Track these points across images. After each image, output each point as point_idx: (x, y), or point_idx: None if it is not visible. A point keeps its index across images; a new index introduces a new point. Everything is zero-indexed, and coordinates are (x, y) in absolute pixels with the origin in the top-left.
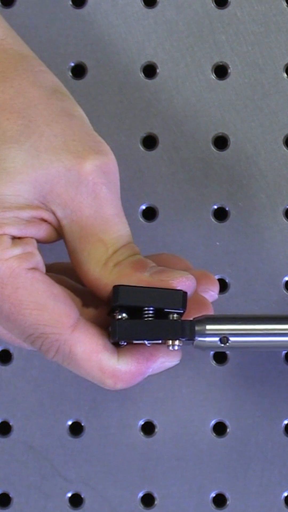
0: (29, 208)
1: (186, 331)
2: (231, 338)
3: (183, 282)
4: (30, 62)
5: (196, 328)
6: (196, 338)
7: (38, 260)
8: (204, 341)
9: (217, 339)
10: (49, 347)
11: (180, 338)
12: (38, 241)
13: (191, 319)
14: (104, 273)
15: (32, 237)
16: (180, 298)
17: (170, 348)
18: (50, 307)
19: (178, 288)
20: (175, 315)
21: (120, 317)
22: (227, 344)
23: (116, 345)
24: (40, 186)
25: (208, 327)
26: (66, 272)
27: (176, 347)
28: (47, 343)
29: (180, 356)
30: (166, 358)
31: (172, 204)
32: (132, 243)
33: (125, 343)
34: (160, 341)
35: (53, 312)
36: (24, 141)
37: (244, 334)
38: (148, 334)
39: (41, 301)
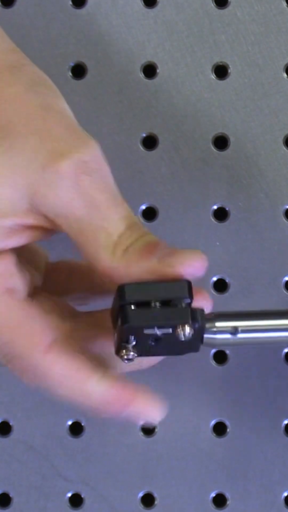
0: (13, 215)
1: (196, 317)
2: (242, 335)
3: (192, 266)
4: (8, 57)
5: (206, 325)
6: (206, 334)
7: (14, 281)
8: (215, 338)
9: (228, 335)
10: (24, 370)
11: (190, 323)
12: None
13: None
14: (114, 261)
15: (10, 254)
16: (186, 288)
17: (181, 335)
18: (24, 328)
19: (188, 271)
20: (183, 304)
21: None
22: (238, 336)
23: (124, 359)
24: (23, 189)
25: (217, 324)
26: (73, 269)
27: (187, 332)
28: (22, 366)
29: (158, 417)
30: (145, 408)
31: (172, 204)
32: (136, 223)
33: (135, 356)
34: (170, 330)
35: (25, 333)
36: (1, 145)
37: (254, 330)
38: (158, 320)
39: (13, 324)
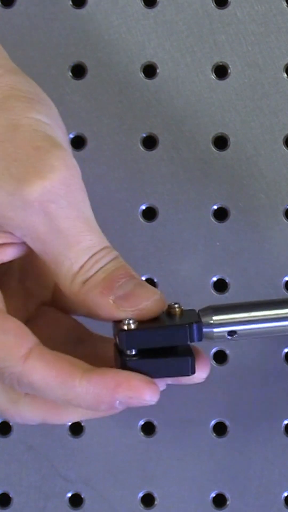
0: None
1: (193, 336)
2: (239, 327)
3: (146, 311)
4: None
5: (203, 319)
6: (204, 329)
7: None
8: (212, 331)
9: (225, 329)
10: (10, 380)
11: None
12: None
13: (198, 320)
14: (73, 290)
15: None
16: (187, 335)
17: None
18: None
19: (142, 316)
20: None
21: (126, 328)
22: (235, 336)
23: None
24: None
25: (214, 317)
26: None
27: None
28: (6, 377)
29: (152, 396)
30: (135, 392)
31: (172, 204)
32: (102, 250)
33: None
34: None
35: (2, 347)
36: None
37: (251, 322)
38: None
39: None
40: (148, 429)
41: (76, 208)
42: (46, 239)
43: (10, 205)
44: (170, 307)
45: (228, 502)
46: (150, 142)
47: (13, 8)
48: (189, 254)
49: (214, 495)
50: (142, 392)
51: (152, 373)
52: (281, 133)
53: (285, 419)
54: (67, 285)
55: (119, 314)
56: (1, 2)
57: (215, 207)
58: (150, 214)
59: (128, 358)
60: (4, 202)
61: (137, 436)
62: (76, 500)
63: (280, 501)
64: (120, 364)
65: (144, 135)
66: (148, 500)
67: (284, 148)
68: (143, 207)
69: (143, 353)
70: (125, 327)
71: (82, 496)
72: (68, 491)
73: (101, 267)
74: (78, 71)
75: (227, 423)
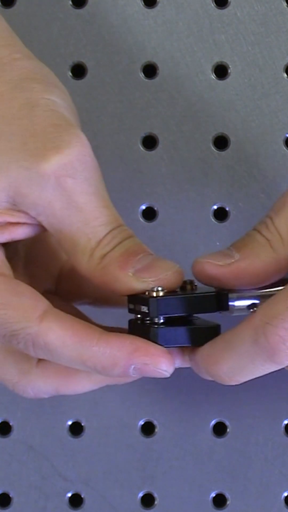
0: None
1: (222, 304)
2: (259, 301)
3: (166, 281)
4: None
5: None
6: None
7: (1, 269)
8: (234, 304)
9: (245, 303)
10: (25, 343)
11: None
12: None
13: (224, 290)
14: (91, 266)
15: None
16: (215, 303)
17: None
18: (14, 304)
19: (162, 285)
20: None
21: (155, 295)
22: (254, 309)
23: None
24: (4, 189)
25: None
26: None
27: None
28: (21, 339)
29: (168, 367)
30: (152, 359)
31: (172, 204)
32: (119, 227)
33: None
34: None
35: (17, 308)
36: None
37: (271, 296)
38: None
39: (4, 300)
40: (148, 429)
41: (92, 185)
42: (62, 215)
43: (26, 180)
44: (185, 282)
45: (228, 502)
46: (150, 142)
47: (13, 8)
48: (189, 254)
49: (214, 495)
50: (159, 360)
51: (179, 341)
52: (281, 133)
53: (285, 419)
54: (84, 261)
55: (138, 285)
56: (1, 2)
57: (215, 207)
58: (150, 214)
59: (156, 326)
60: (20, 178)
61: (137, 436)
62: (76, 500)
63: (280, 501)
64: (146, 331)
65: (144, 135)
66: (148, 500)
67: (284, 148)
68: (143, 207)
69: (169, 322)
70: (154, 294)
71: (82, 496)
72: (68, 491)
73: (119, 243)
74: (78, 71)
75: (227, 423)
